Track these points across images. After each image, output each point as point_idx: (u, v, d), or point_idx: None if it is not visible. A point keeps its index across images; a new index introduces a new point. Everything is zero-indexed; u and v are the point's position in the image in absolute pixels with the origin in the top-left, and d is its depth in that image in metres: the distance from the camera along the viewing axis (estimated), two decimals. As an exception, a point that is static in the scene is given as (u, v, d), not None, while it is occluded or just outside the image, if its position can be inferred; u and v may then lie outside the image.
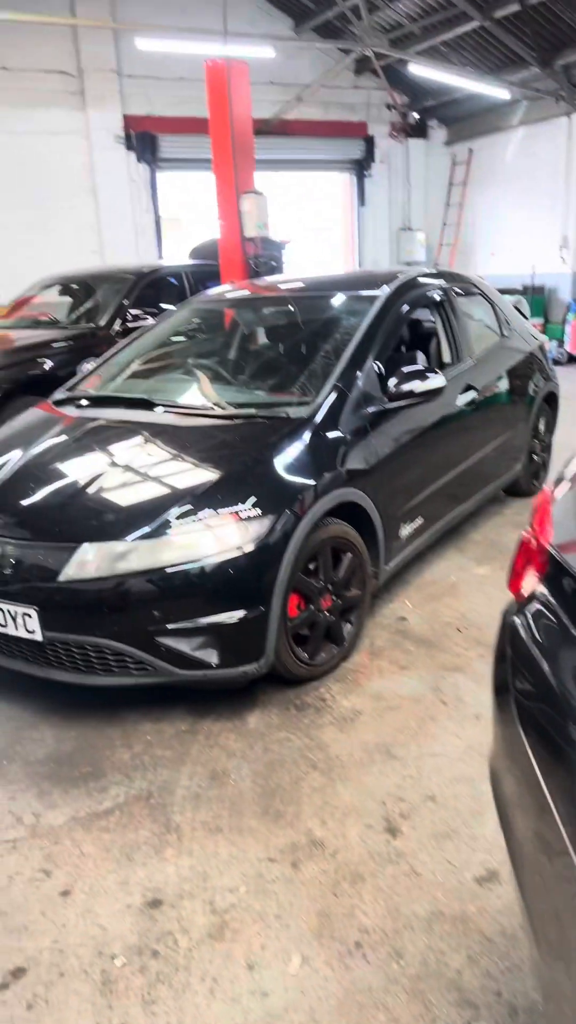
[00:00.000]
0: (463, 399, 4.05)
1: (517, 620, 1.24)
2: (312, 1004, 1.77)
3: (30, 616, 2.68)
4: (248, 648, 2.77)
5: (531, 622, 1.16)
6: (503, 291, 12.56)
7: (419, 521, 3.75)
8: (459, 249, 13.96)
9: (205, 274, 7.41)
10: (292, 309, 4.17)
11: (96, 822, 2.38)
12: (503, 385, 4.58)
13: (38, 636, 2.69)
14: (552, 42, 10.69)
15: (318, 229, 17.73)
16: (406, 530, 3.64)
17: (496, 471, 4.62)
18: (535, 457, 5.20)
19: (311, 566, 3.03)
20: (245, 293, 4.53)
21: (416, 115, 13.74)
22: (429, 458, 3.79)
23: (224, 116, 6.84)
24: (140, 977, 1.85)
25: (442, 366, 4.18)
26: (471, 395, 4.12)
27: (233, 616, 2.69)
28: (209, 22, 9.47)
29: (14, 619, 2.71)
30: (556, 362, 11.59)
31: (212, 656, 2.72)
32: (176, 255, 11.14)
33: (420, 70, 11.14)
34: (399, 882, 2.11)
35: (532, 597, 1.23)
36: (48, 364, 5.73)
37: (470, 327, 4.49)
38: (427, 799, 2.42)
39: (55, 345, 5.97)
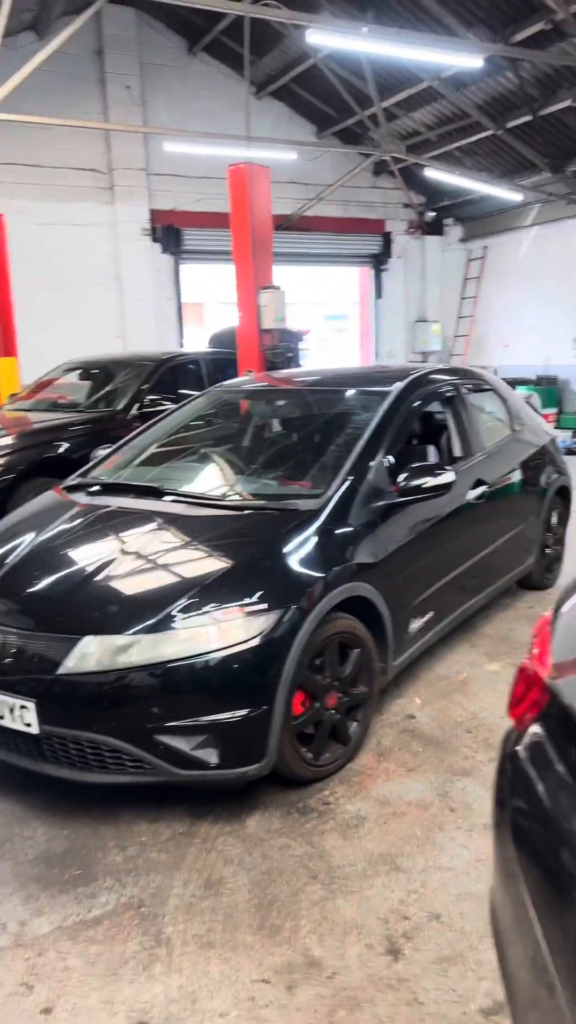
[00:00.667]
0: (473, 493, 4.05)
1: (518, 748, 1.20)
2: None
3: (27, 708, 2.63)
4: (249, 748, 2.69)
5: (529, 752, 1.12)
6: (517, 381, 12.80)
7: (429, 615, 3.70)
8: (473, 340, 14.29)
9: (223, 362, 7.59)
10: (306, 402, 4.24)
11: (83, 932, 2.27)
12: (514, 478, 4.60)
13: (35, 729, 2.64)
14: (563, 149, 11.18)
15: (337, 319, 18.29)
16: (416, 624, 3.58)
17: (508, 564, 4.58)
18: (548, 550, 5.16)
19: (317, 662, 2.97)
20: (261, 385, 4.62)
21: (432, 213, 14.31)
22: (439, 552, 3.76)
23: (245, 216, 7.16)
24: None
25: (453, 460, 4.20)
26: (482, 489, 4.13)
27: (235, 714, 2.63)
28: (235, 127, 10.03)
29: (11, 711, 2.66)
30: (570, 451, 11.66)
31: (212, 756, 2.64)
32: (197, 341, 11.47)
33: (435, 174, 11.65)
34: (400, 1011, 1.98)
35: (532, 725, 1.19)
36: (63, 447, 5.82)
37: (481, 422, 4.53)
38: (432, 918, 2.29)
39: (72, 428, 6.08)
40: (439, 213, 14.37)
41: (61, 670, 2.62)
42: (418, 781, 3.01)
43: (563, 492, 5.35)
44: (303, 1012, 1.98)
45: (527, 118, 10.29)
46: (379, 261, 14.24)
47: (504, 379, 13.04)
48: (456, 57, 7.40)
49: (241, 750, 2.69)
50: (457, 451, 4.27)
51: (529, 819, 0.99)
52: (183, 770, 2.64)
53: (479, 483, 4.15)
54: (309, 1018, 1.96)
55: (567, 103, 9.66)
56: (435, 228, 14.45)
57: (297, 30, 6.71)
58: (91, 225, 11.41)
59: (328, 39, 6.74)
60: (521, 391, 5.55)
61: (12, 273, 9.13)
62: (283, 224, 12.53)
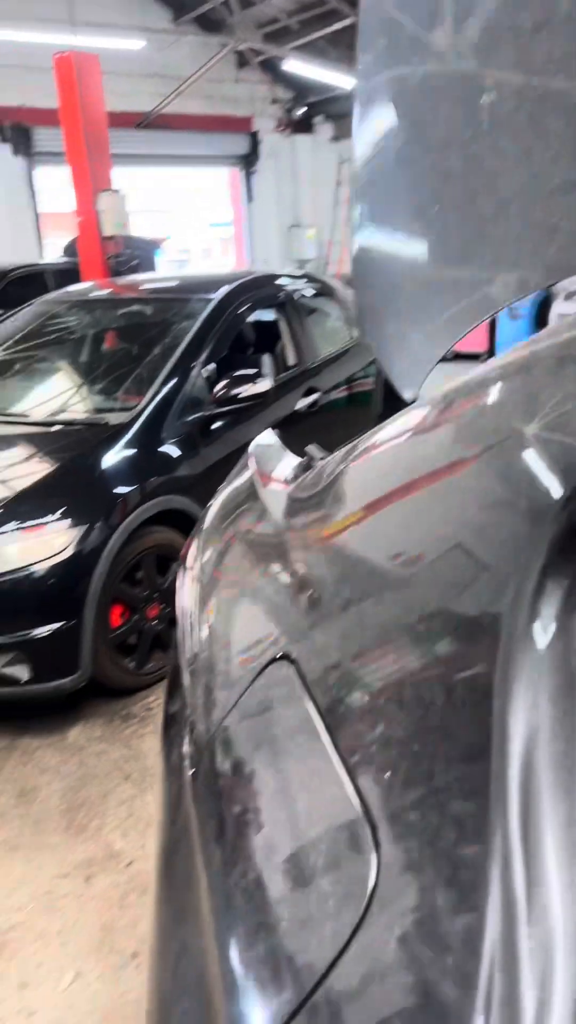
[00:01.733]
0: (304, 402, 4.11)
1: None
2: (78, 1019, 1.78)
3: None
4: (62, 662, 2.74)
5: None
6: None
7: (261, 523, 3.78)
8: (349, 247, 14.15)
9: (74, 273, 7.27)
10: (131, 312, 4.14)
11: None
12: (350, 386, 4.67)
13: None
14: (425, 43, 10.92)
15: (222, 227, 17.64)
16: (247, 532, 3.67)
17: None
18: (392, 453, 5.32)
19: (137, 575, 3.03)
20: (89, 294, 4.47)
21: (302, 110, 13.83)
22: (268, 460, 3.82)
23: (75, 111, 6.68)
24: None
25: (286, 368, 4.23)
26: (313, 397, 4.18)
27: (42, 630, 2.66)
28: (79, 10, 9.26)
29: None
30: (442, 359, 11.89)
31: (23, 672, 2.68)
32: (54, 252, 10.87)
33: (295, 66, 11.21)
34: (190, 889, 2.13)
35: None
36: None
37: (318, 329, 4.55)
38: (232, 803, 2.45)
39: None
40: (308, 110, 13.90)
41: None
42: (241, 680, 3.15)
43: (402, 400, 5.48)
44: (97, 900, 2.11)
45: (386, 7, 9.95)
46: (248, 162, 13.75)
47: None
48: None
49: (53, 664, 2.73)
50: (290, 359, 4.29)
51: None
52: (-6, 688, 2.68)
53: (311, 391, 4.21)
54: (102, 904, 2.10)
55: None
56: (305, 127, 14.00)
57: None
58: None
59: None
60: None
61: None
62: (142, 122, 11.88)
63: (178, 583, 1.16)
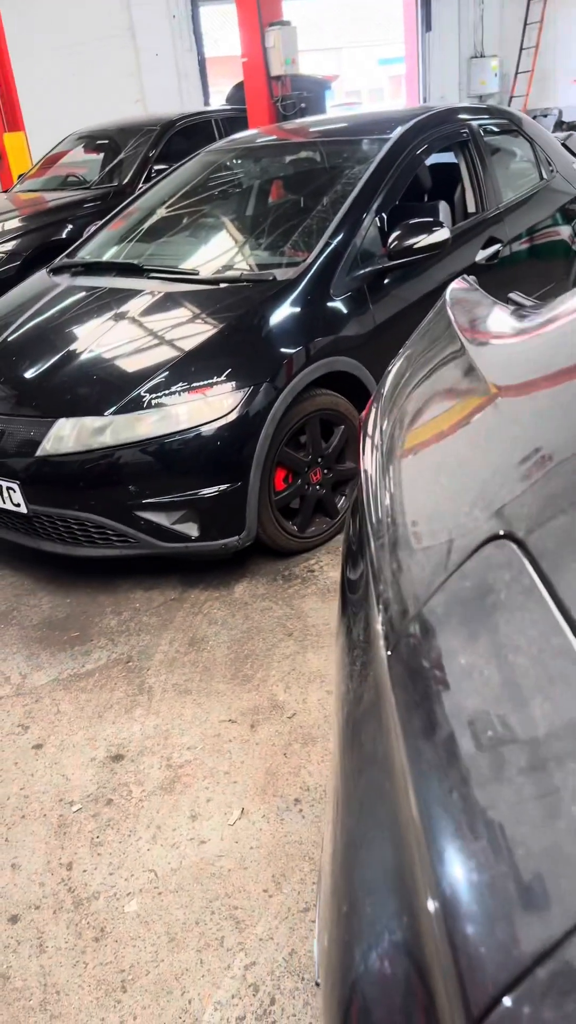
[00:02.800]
0: (484, 253, 3.76)
1: None
2: (244, 852, 1.89)
3: (14, 490, 2.75)
4: (228, 522, 2.79)
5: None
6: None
7: (430, 387, 3.59)
8: (536, 78, 12.59)
9: (241, 120, 6.96)
10: (300, 159, 3.89)
11: (76, 683, 2.53)
12: (537, 235, 4.22)
13: (23, 509, 2.78)
14: None
15: (392, 63, 16.19)
16: (415, 397, 3.50)
17: (526, 331, 4.34)
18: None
19: (301, 439, 2.98)
20: (255, 141, 4.23)
21: None
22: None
23: None
24: (92, 822, 2.02)
25: (466, 216, 3.87)
26: (495, 248, 3.82)
27: (209, 490, 2.70)
28: None
29: (1, 492, 2.80)
30: None
31: (192, 529, 2.76)
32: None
33: None
34: (349, 745, 2.18)
35: None
36: (67, 229, 5.58)
37: (501, 170, 4.10)
38: (392, 668, 2.45)
39: (78, 208, 5.80)
40: None
41: (39, 452, 2.70)
42: (403, 548, 3.09)
43: (599, 249, 4.92)
44: (262, 745, 2.21)
45: None
46: (428, -17, 12.32)
47: (571, 122, 11.64)
48: None
49: (220, 523, 2.79)
50: (470, 205, 3.91)
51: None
52: (166, 543, 2.77)
53: (492, 241, 3.84)
54: (267, 750, 2.19)
55: None
56: None
57: None
58: (93, -35, 10.10)
59: None
60: (559, 135, 4.88)
61: (6, 35, 8.29)
62: (312, -56, 10.84)
63: (360, 447, 1.06)
